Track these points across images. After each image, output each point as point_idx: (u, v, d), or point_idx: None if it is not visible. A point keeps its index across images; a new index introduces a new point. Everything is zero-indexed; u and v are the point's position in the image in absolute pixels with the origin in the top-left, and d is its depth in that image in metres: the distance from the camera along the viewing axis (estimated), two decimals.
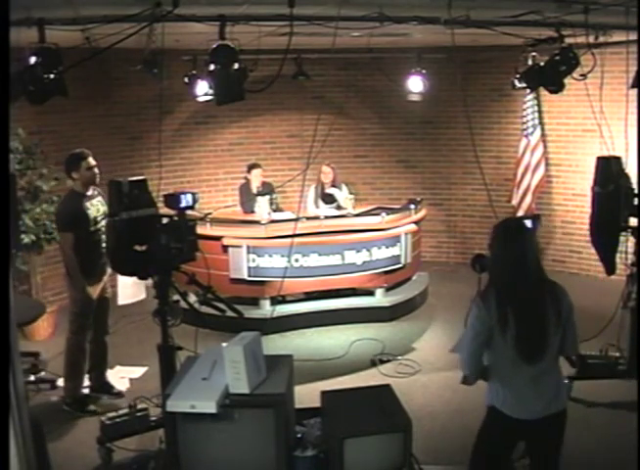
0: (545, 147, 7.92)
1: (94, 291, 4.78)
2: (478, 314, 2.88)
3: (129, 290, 4.99)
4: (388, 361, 5.66)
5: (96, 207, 4.81)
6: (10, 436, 1.77)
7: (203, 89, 6.86)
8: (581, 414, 4.71)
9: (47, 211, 5.81)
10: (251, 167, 7.36)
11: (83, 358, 4.87)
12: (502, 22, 4.76)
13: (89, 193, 4.80)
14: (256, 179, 7.28)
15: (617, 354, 4.93)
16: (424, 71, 7.25)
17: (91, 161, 4.76)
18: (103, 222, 4.81)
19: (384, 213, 6.75)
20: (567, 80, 5.29)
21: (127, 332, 6.15)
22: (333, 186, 7.34)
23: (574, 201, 7.91)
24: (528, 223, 3.54)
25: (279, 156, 8.60)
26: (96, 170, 4.78)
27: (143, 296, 5.06)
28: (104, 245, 4.81)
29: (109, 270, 4.90)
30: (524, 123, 7.85)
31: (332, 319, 6.53)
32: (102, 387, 5.06)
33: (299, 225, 5.84)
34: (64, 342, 4.94)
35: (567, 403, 3.01)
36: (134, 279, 4.80)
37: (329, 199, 7.31)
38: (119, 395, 5.05)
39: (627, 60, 5.04)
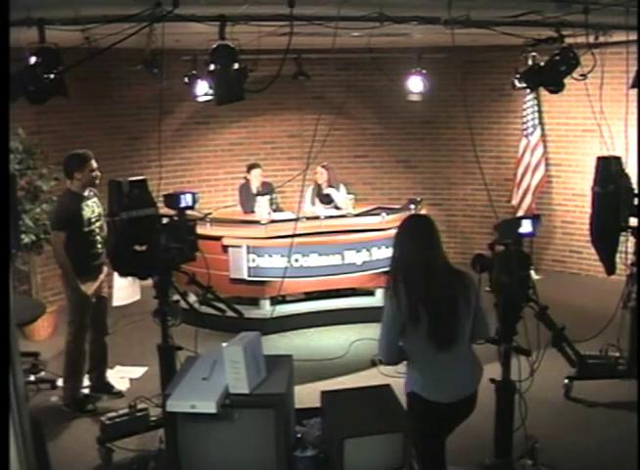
0: (545, 147, 7.92)
1: (88, 289, 4.78)
2: (390, 308, 3.00)
3: (124, 291, 5.00)
4: None
5: (91, 208, 4.83)
6: (10, 436, 1.77)
7: (203, 89, 6.86)
8: (581, 414, 4.71)
9: (47, 211, 5.81)
10: (250, 168, 7.35)
11: (83, 360, 4.87)
12: (502, 22, 4.76)
13: (85, 194, 4.81)
14: (256, 179, 7.27)
15: (617, 354, 4.93)
16: (424, 71, 7.24)
17: (94, 163, 4.78)
18: (97, 224, 4.83)
19: (384, 213, 6.75)
20: (567, 80, 5.29)
21: (127, 332, 6.15)
22: (330, 186, 7.33)
23: (574, 201, 7.91)
24: (528, 224, 3.55)
25: (279, 156, 8.59)
26: (97, 173, 4.81)
27: (137, 297, 5.07)
28: (99, 246, 4.84)
29: (105, 270, 4.92)
30: (524, 123, 7.84)
31: (332, 319, 6.53)
32: (102, 387, 5.06)
33: (299, 225, 5.83)
34: (63, 342, 4.94)
35: (478, 386, 3.16)
36: (129, 280, 4.83)
37: (326, 199, 7.31)
38: (119, 395, 5.05)
39: (627, 60, 5.04)
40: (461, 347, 3.04)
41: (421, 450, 3.11)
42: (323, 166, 7.32)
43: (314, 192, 7.42)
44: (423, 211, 7.14)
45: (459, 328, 3.02)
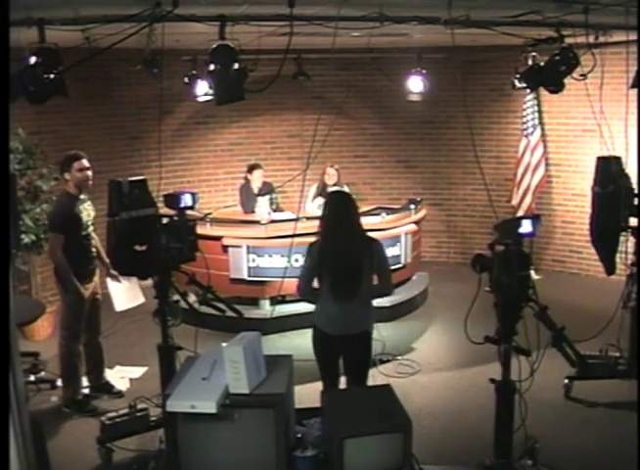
0: (545, 147, 7.92)
1: (85, 291, 4.77)
2: (306, 256, 4.01)
3: (124, 295, 4.97)
4: (388, 361, 5.66)
5: (87, 211, 4.81)
6: (10, 436, 1.77)
7: (203, 89, 6.86)
8: (581, 414, 4.71)
9: (47, 211, 5.81)
10: (251, 168, 7.35)
11: (79, 362, 4.85)
12: (502, 22, 4.76)
13: (82, 196, 4.79)
14: (257, 180, 7.27)
15: (617, 354, 4.92)
16: (424, 71, 7.24)
17: (84, 162, 4.71)
18: (92, 227, 4.83)
19: (384, 213, 6.74)
20: (567, 80, 5.29)
21: (127, 332, 6.15)
22: (335, 185, 7.34)
23: (574, 201, 7.91)
24: (528, 224, 3.54)
25: (279, 156, 8.59)
26: (89, 173, 4.73)
27: (142, 300, 5.02)
28: (93, 249, 4.85)
29: (98, 272, 4.92)
30: (524, 123, 7.84)
31: None
32: (102, 387, 5.06)
33: (299, 225, 5.82)
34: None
35: (369, 328, 3.99)
36: (126, 284, 4.82)
37: None
38: (119, 395, 5.05)
39: (627, 60, 5.03)
40: (357, 297, 3.82)
41: (322, 371, 4.09)
42: (332, 167, 7.32)
43: (318, 190, 7.41)
44: (423, 212, 7.16)
45: (357, 283, 3.81)
